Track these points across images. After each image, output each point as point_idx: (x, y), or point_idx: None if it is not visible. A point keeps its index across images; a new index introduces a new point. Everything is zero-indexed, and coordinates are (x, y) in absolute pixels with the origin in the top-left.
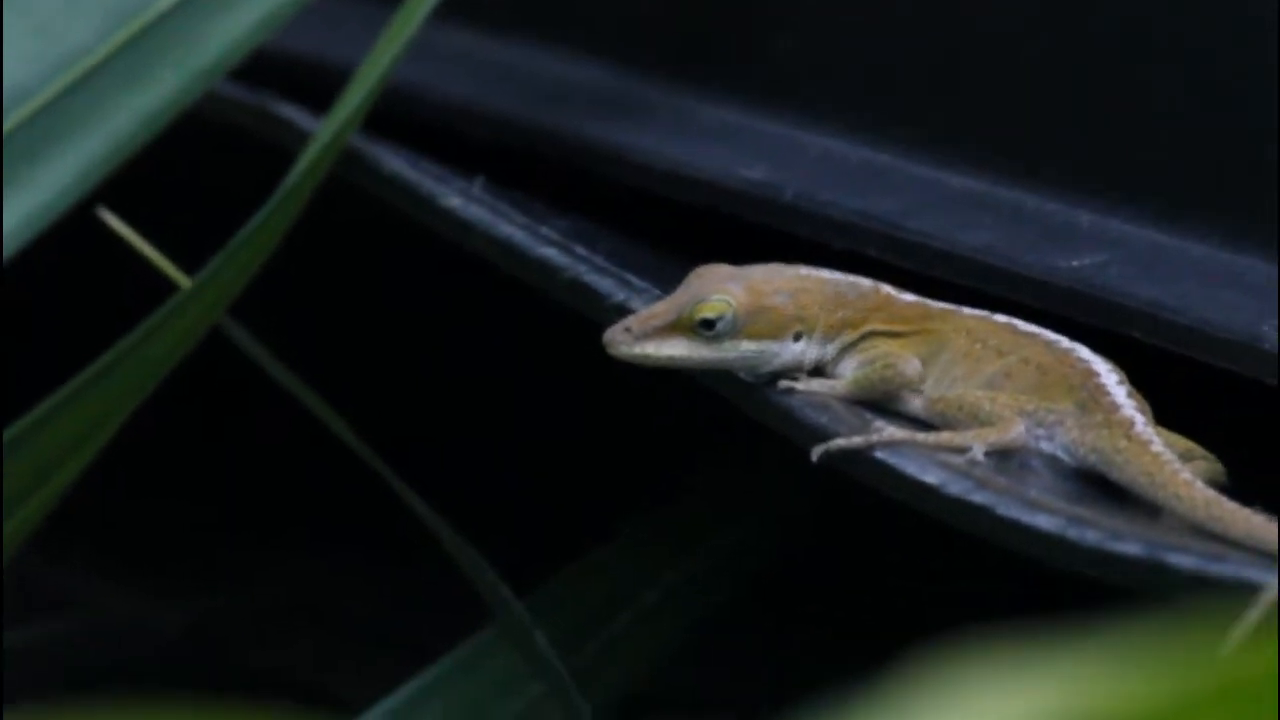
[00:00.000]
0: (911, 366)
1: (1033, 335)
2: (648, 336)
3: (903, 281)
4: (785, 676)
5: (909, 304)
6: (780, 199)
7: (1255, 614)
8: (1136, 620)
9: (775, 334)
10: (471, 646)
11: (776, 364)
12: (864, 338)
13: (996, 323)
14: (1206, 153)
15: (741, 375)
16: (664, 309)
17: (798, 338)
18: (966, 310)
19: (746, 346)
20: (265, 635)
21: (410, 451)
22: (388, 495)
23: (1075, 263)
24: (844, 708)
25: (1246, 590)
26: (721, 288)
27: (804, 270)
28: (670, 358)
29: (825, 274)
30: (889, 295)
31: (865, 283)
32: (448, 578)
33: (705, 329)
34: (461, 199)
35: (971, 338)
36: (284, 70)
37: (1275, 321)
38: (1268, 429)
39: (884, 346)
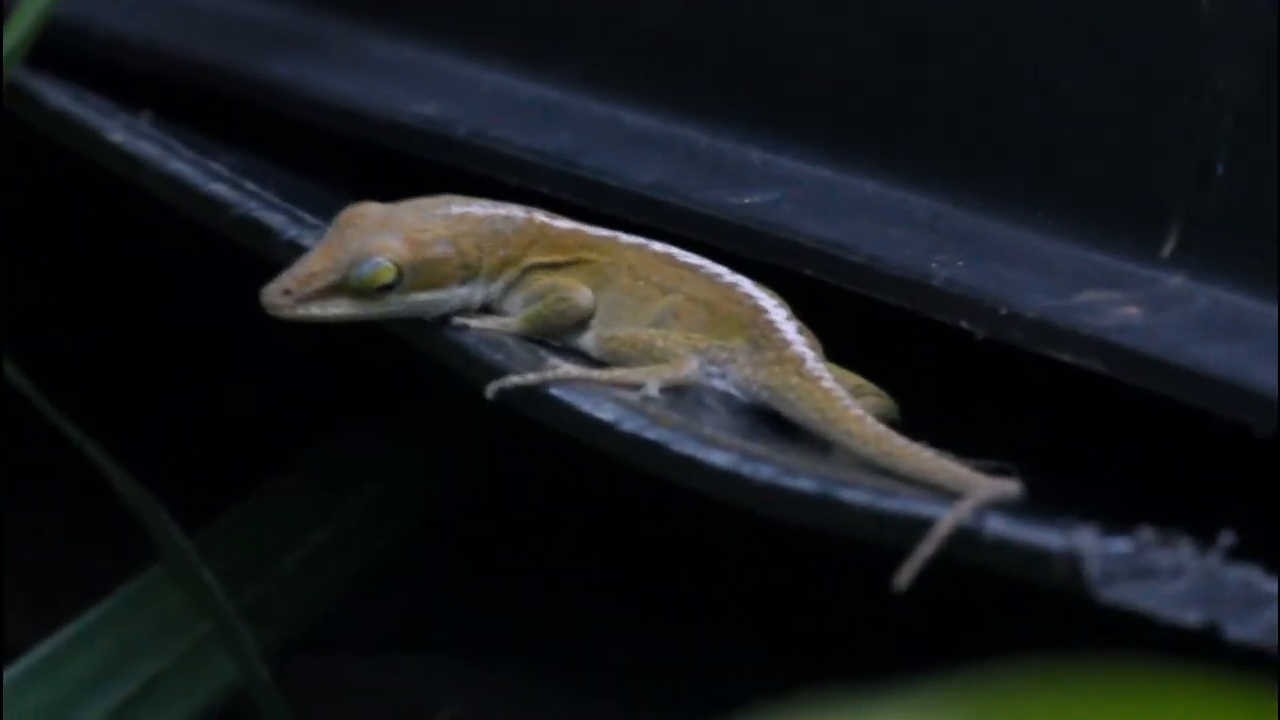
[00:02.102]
0: (584, 297)
1: (694, 268)
2: (310, 299)
3: (576, 218)
4: (462, 614)
5: (566, 231)
6: (452, 135)
7: (927, 548)
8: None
9: (442, 283)
10: (138, 584)
11: (445, 309)
12: (525, 272)
13: (656, 254)
14: (874, 91)
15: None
16: (322, 268)
17: (463, 282)
18: (624, 238)
19: (414, 298)
20: None
21: (79, 391)
22: (57, 436)
23: (748, 200)
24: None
25: (918, 525)
26: (381, 246)
27: (455, 208)
28: (337, 316)
29: (478, 209)
30: (544, 224)
31: (519, 213)
32: (121, 517)
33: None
34: (128, 134)
35: (634, 274)
36: None
37: (943, 257)
38: (938, 364)
39: (548, 280)
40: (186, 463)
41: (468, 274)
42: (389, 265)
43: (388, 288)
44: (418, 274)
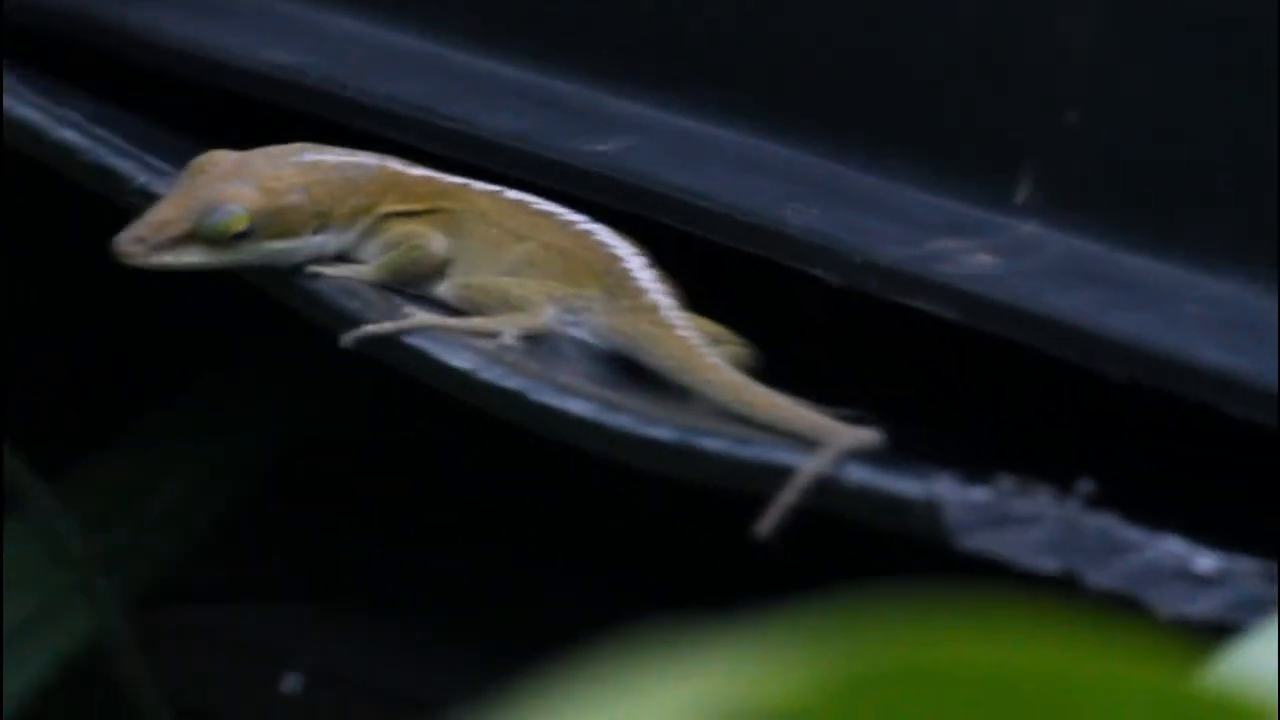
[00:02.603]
0: (438, 244)
1: (548, 215)
2: (163, 247)
3: (432, 167)
4: (321, 565)
5: (419, 179)
6: (304, 82)
7: (788, 497)
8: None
9: (295, 231)
10: None
11: (299, 258)
12: (380, 220)
13: (509, 201)
14: (730, 39)
15: None
16: (175, 216)
17: (317, 230)
18: (478, 185)
19: (268, 247)
20: None
21: None
22: None
23: (602, 147)
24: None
25: (776, 473)
26: (234, 194)
27: (309, 155)
28: (190, 265)
29: (331, 157)
30: (398, 171)
31: (372, 161)
32: None
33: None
34: None
35: (488, 222)
36: None
37: (798, 205)
38: (797, 313)
39: (403, 228)
40: (44, 414)
41: (321, 222)
42: (242, 213)
43: (241, 236)
44: (271, 222)
